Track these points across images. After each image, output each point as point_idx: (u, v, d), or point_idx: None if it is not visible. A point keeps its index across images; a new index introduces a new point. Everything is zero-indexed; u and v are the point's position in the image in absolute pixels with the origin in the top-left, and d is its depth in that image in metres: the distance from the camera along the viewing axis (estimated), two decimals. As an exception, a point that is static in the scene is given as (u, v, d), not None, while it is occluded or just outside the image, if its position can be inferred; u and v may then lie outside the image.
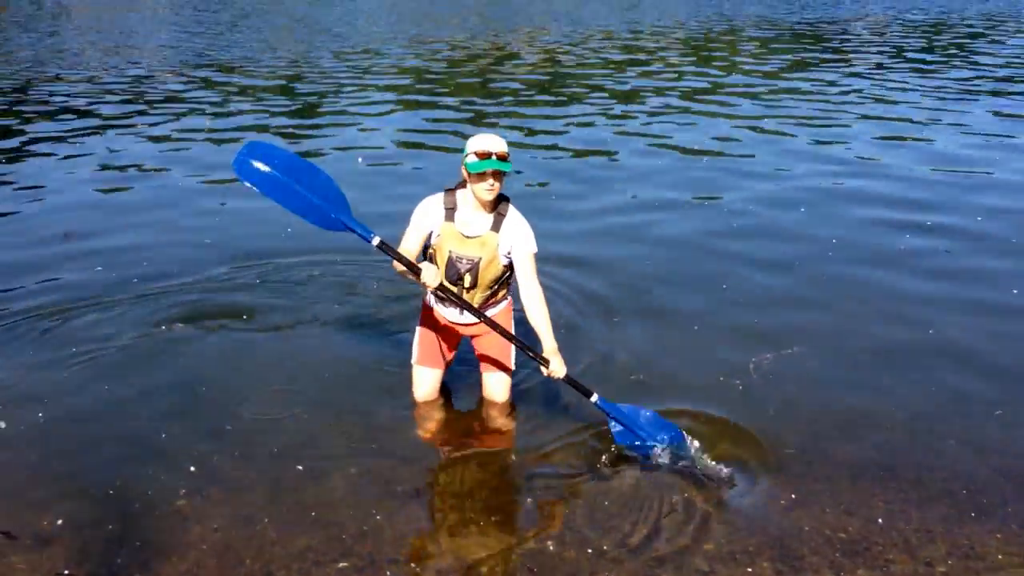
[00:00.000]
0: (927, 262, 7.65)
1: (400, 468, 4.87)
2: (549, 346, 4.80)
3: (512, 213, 4.82)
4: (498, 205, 4.79)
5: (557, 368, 4.79)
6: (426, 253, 4.93)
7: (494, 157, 4.56)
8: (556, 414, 5.40)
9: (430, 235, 4.84)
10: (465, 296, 4.86)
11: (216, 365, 6.01)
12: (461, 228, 4.77)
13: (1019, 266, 7.56)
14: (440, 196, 4.81)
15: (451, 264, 4.80)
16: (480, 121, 13.35)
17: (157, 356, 6.10)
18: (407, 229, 4.83)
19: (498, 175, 4.62)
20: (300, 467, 4.84)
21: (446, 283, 4.76)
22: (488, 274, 4.83)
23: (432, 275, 4.61)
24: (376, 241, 4.60)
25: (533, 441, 5.14)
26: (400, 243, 4.78)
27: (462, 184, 4.79)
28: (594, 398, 4.90)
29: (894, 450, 4.99)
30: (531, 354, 4.82)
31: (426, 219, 4.79)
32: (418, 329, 5.22)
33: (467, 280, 4.82)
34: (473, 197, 4.73)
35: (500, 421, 5.33)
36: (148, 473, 4.79)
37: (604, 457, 4.93)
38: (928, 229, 8.41)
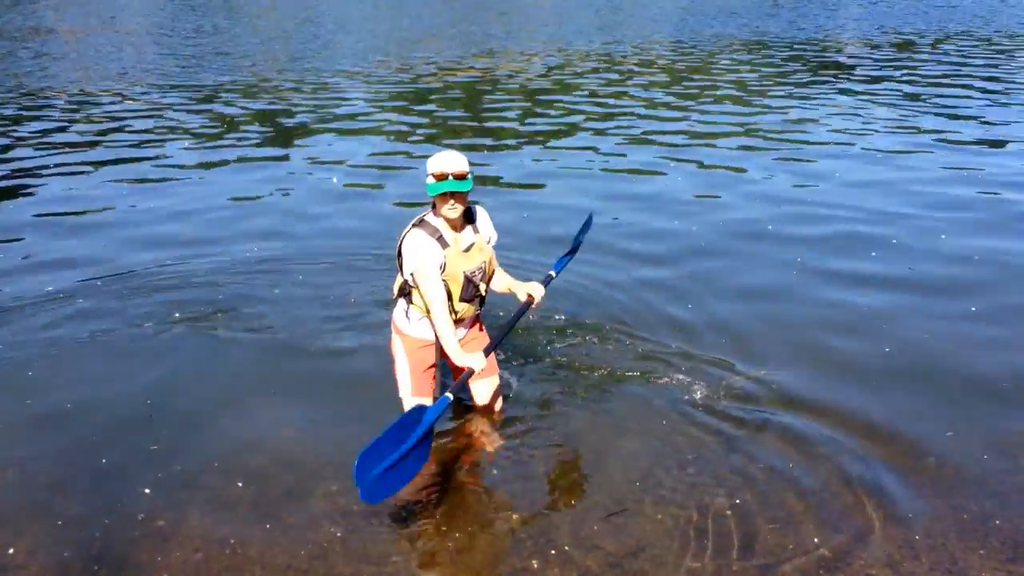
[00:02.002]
0: (887, 288, 7.73)
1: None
2: (519, 285, 5.14)
3: (477, 209, 5.03)
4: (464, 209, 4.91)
5: (538, 291, 5.09)
6: (404, 291, 4.97)
7: (451, 177, 4.64)
8: (541, 428, 5.46)
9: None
10: (472, 307, 5.05)
11: (195, 379, 6.07)
12: (458, 247, 4.86)
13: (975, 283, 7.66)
14: (421, 234, 4.79)
15: (468, 282, 4.89)
16: (455, 141, 13.42)
17: (132, 370, 6.17)
18: (427, 285, 4.74)
19: (458, 196, 4.70)
20: (281, 484, 4.89)
21: (483, 357, 4.87)
22: (491, 270, 5.04)
23: (480, 362, 4.81)
24: (450, 396, 4.73)
25: (517, 457, 5.21)
26: (432, 295, 4.75)
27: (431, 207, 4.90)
28: (552, 273, 5.53)
29: (877, 466, 5.08)
30: (520, 312, 5.14)
31: (434, 259, 4.77)
32: (404, 359, 5.14)
33: (483, 287, 5.01)
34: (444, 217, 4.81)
35: (488, 435, 5.39)
36: (126, 491, 4.82)
37: (588, 474, 5.03)
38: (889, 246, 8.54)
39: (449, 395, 4.71)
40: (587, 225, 6.34)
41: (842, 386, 5.97)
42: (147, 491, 4.81)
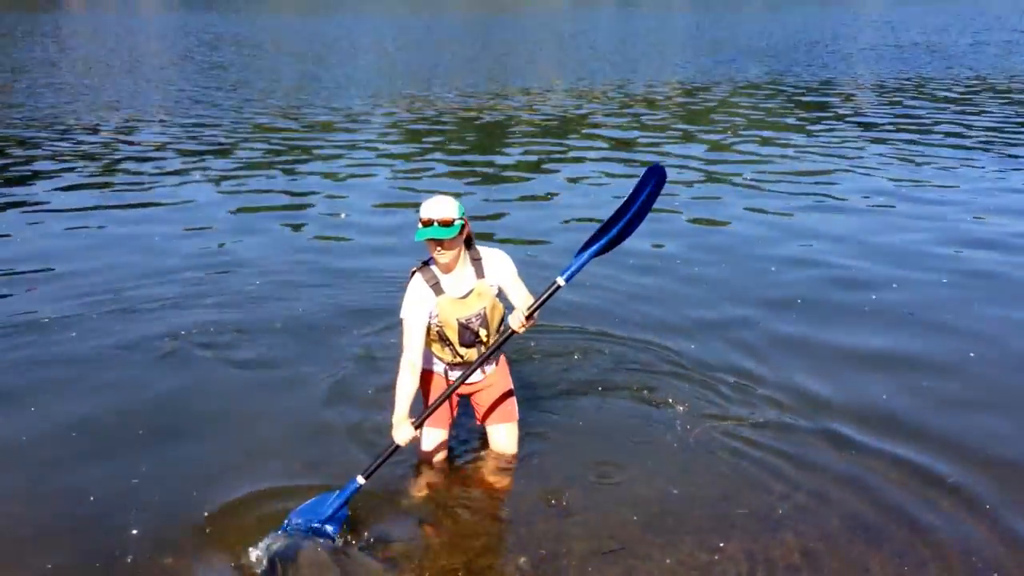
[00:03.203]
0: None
1: (390, 524, 4.93)
2: (519, 313, 4.81)
3: (485, 251, 5.02)
4: (472, 253, 4.96)
5: (513, 321, 4.78)
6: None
7: (436, 224, 4.69)
8: (559, 472, 5.44)
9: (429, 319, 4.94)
10: (483, 349, 5.01)
11: (204, 409, 6.17)
12: (453, 294, 4.91)
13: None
14: (419, 280, 4.90)
15: (464, 329, 4.93)
16: (469, 181, 13.52)
17: (122, 399, 6.28)
18: (406, 334, 4.86)
19: (444, 242, 4.73)
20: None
21: (415, 431, 4.78)
22: (495, 317, 5.02)
23: (404, 438, 4.71)
24: (361, 480, 4.75)
25: (530, 499, 5.20)
26: (407, 345, 4.86)
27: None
28: (560, 281, 4.79)
29: (888, 511, 5.06)
30: (492, 348, 4.94)
31: (422, 307, 4.87)
32: (420, 391, 5.21)
33: (483, 334, 4.98)
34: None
35: (504, 477, 5.39)
36: (135, 523, 4.85)
37: (599, 516, 5.00)
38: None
39: (360, 480, 4.72)
40: (649, 184, 4.78)
41: (844, 438, 5.86)
42: (135, 532, 4.80)
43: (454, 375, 5.12)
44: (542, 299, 4.78)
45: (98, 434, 5.81)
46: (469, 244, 4.98)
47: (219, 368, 6.76)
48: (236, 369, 6.75)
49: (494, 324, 5.02)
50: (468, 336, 4.95)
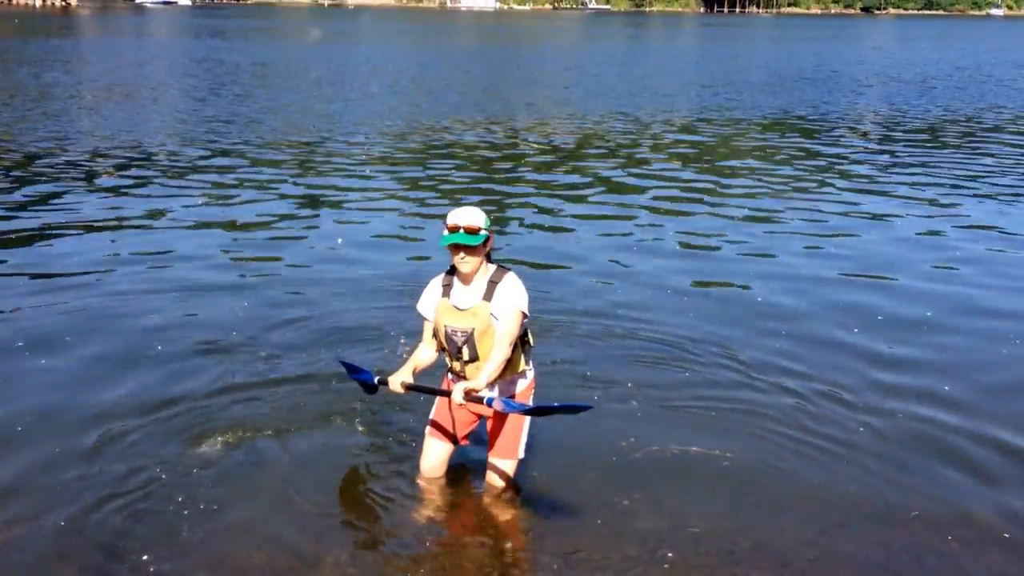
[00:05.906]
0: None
1: (391, 551, 4.93)
2: (466, 384, 4.93)
3: (508, 280, 4.99)
4: (494, 275, 4.97)
5: (455, 393, 4.90)
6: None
7: (461, 231, 4.81)
8: (560, 514, 5.34)
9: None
10: (466, 369, 5.00)
11: (208, 416, 6.25)
12: (455, 302, 5.00)
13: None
14: (439, 278, 5.13)
15: (448, 338, 5.02)
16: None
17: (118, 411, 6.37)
18: (423, 322, 5.20)
19: (468, 249, 4.82)
20: (294, 550, 4.90)
21: (401, 388, 5.07)
22: (483, 343, 4.95)
23: (394, 385, 5.09)
24: (377, 379, 5.34)
25: (528, 536, 5.14)
26: (422, 336, 5.22)
27: None
28: (487, 402, 4.93)
29: (901, 554, 4.97)
30: (434, 391, 5.19)
31: (428, 303, 5.12)
32: (436, 401, 5.32)
33: (466, 353, 4.98)
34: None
35: (498, 511, 5.32)
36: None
37: (600, 553, 4.91)
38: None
39: (376, 377, 5.33)
40: (573, 408, 5.23)
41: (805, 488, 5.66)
42: (174, 556, 4.82)
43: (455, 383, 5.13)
44: (473, 399, 4.92)
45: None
46: (490, 262, 5.04)
47: (210, 382, 6.93)
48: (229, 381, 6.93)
49: (480, 348, 4.97)
50: (451, 346, 5.05)
